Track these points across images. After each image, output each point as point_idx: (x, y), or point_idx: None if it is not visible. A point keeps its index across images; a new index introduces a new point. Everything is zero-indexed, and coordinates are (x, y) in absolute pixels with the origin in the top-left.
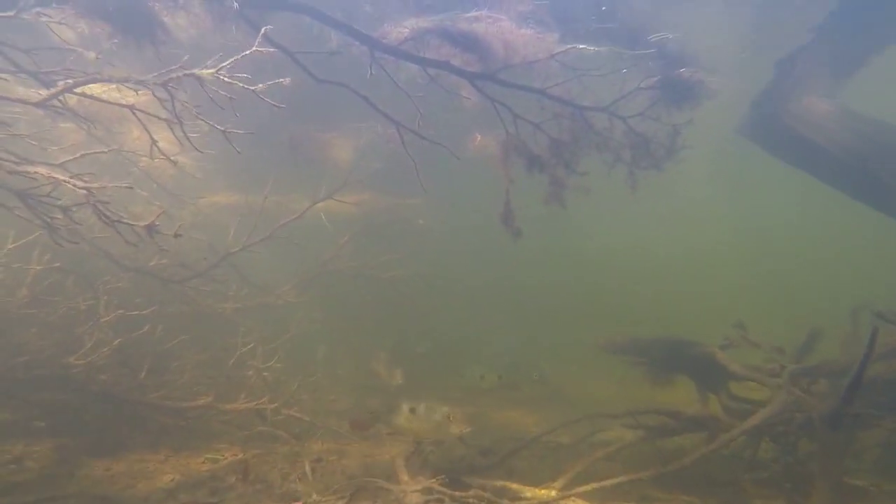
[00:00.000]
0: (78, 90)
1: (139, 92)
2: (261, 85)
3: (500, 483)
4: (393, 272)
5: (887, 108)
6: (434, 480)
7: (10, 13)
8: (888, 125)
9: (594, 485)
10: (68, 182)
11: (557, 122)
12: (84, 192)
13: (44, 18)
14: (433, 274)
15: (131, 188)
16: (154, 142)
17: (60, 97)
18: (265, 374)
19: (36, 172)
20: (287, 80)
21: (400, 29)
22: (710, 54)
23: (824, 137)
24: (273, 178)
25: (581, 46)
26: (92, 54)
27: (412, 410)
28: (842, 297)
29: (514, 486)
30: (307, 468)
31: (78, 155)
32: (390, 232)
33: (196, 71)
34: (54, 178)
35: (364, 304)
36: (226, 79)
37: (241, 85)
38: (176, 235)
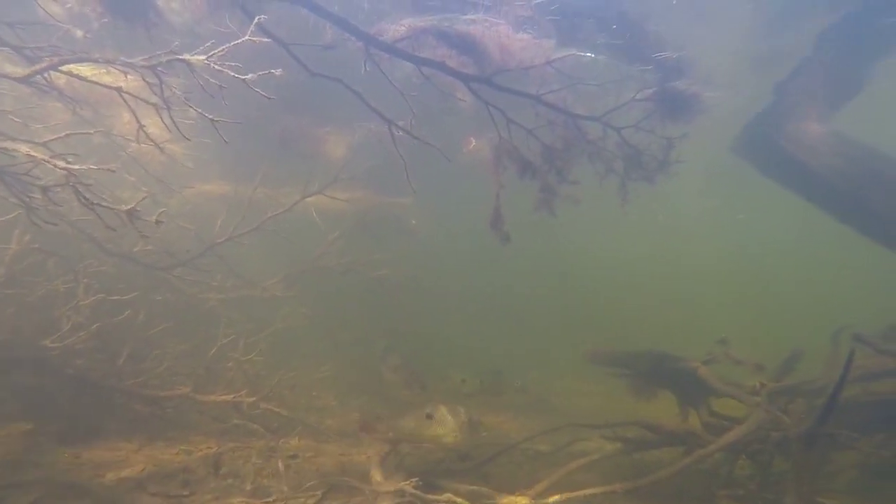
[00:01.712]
0: (64, 69)
1: (128, 75)
2: (251, 75)
3: (474, 487)
4: (382, 271)
5: (883, 134)
6: (407, 482)
7: None
8: (879, 152)
9: (567, 494)
10: (48, 162)
11: (551, 130)
12: (64, 172)
13: None
14: (422, 275)
15: (113, 171)
16: (141, 126)
17: (45, 74)
18: (246, 367)
19: (15, 150)
20: (279, 72)
21: (396, 27)
22: (710, 72)
23: (816, 160)
24: (264, 171)
25: (577, 53)
26: (80, 32)
27: (429, 416)
28: (829, 318)
29: (488, 491)
30: (280, 464)
31: (63, 134)
32: (381, 231)
33: (186, 56)
34: (33, 156)
35: (351, 302)
36: (216, 66)
37: (231, 74)
38: (157, 222)
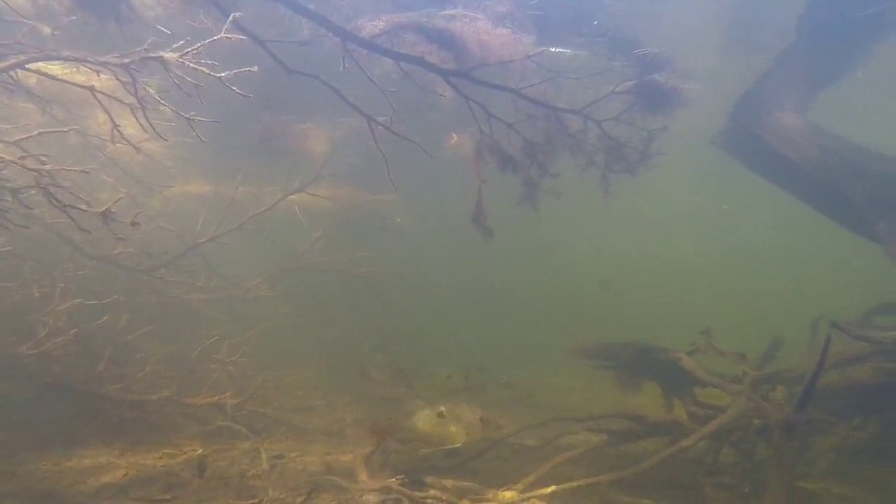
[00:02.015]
0: (31, 67)
1: (101, 74)
2: (227, 72)
3: (461, 484)
4: (366, 269)
5: (855, 126)
6: (393, 480)
7: None
8: (854, 143)
9: (554, 487)
10: (16, 162)
11: (532, 123)
12: (35, 173)
13: None
14: (406, 272)
15: (87, 172)
16: (115, 125)
17: (11, 73)
18: (230, 368)
19: None
20: (255, 69)
21: (375, 23)
22: (690, 65)
23: (793, 151)
24: (246, 169)
25: (557, 49)
26: (47, 29)
27: (440, 415)
28: (811, 308)
29: (475, 486)
30: (265, 465)
31: (34, 133)
32: (365, 228)
33: (160, 54)
34: (2, 157)
35: (335, 301)
36: (191, 64)
37: (206, 71)
38: (133, 224)
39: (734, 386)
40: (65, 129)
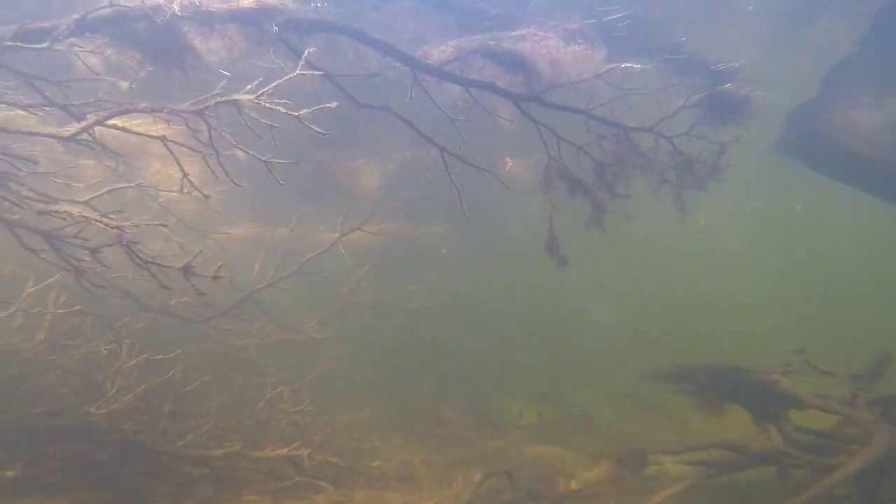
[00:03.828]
0: (109, 123)
1: (162, 123)
2: (305, 110)
3: None
4: (416, 303)
5: None
6: None
7: (44, 44)
8: None
9: None
10: (99, 222)
11: (600, 144)
12: (116, 231)
13: (76, 49)
14: (462, 304)
15: (165, 226)
16: (185, 174)
17: (90, 130)
18: (295, 416)
19: (65, 212)
20: (334, 105)
21: (442, 48)
22: (757, 72)
23: (873, 149)
24: (297, 210)
25: (627, 65)
26: (125, 84)
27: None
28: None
29: None
30: None
31: (103, 191)
32: (413, 261)
33: (235, 97)
34: (85, 217)
35: (389, 338)
36: (267, 105)
37: (282, 111)
38: (215, 277)
39: (850, 409)
40: (132, 185)
